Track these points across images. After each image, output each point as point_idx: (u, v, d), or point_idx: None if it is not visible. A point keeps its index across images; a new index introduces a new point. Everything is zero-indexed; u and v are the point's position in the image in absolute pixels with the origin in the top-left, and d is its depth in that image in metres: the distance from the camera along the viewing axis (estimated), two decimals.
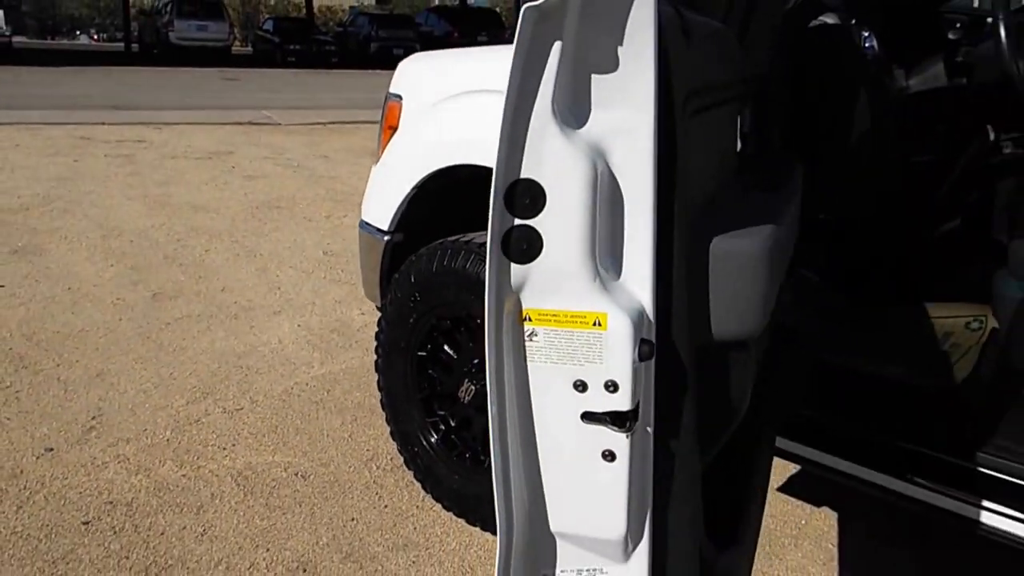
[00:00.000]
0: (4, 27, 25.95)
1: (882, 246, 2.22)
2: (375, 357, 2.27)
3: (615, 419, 0.85)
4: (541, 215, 0.83)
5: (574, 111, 0.84)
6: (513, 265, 0.84)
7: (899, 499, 1.63)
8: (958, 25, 2.00)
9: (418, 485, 2.25)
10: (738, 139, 1.37)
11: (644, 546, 0.93)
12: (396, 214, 2.24)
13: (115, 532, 2.06)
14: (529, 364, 0.87)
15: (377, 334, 2.24)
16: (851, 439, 1.72)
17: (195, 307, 3.69)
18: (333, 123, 10.27)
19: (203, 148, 8.00)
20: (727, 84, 1.19)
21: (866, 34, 1.83)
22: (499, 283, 0.84)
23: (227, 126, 9.64)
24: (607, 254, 0.86)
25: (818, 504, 2.30)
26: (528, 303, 0.86)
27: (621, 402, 0.85)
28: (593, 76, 0.84)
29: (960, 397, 1.84)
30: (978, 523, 1.54)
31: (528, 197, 0.82)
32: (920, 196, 2.13)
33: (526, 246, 0.84)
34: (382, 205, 2.30)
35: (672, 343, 0.90)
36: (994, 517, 1.52)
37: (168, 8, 23.71)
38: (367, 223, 2.39)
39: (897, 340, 2.05)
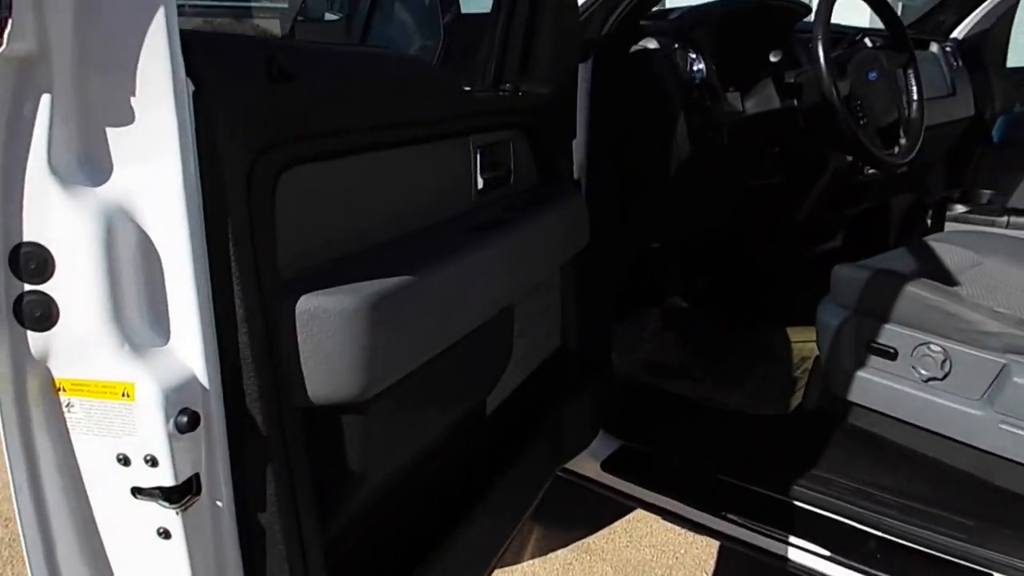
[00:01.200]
0: None
1: (747, 270, 2.17)
2: None
3: (166, 494, 0.79)
4: (52, 280, 0.76)
5: (88, 169, 0.76)
6: (32, 333, 0.77)
7: (717, 537, 1.58)
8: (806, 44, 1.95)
9: None
10: (477, 176, 1.31)
11: None
12: None
13: None
14: (72, 436, 0.80)
15: None
16: (675, 474, 1.67)
17: None
18: None
19: None
20: (406, 124, 1.11)
21: (693, 57, 1.79)
22: (15, 352, 0.77)
23: None
24: (142, 319, 0.78)
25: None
26: (58, 372, 0.78)
27: (164, 477, 0.78)
28: (108, 130, 0.76)
29: (788, 426, 1.79)
30: (787, 560, 1.47)
31: (34, 262, 0.75)
32: (776, 218, 2.09)
33: (39, 313, 0.76)
34: None
35: (246, 410, 0.84)
36: (804, 555, 1.45)
37: None
38: None
39: (746, 366, 1.99)
